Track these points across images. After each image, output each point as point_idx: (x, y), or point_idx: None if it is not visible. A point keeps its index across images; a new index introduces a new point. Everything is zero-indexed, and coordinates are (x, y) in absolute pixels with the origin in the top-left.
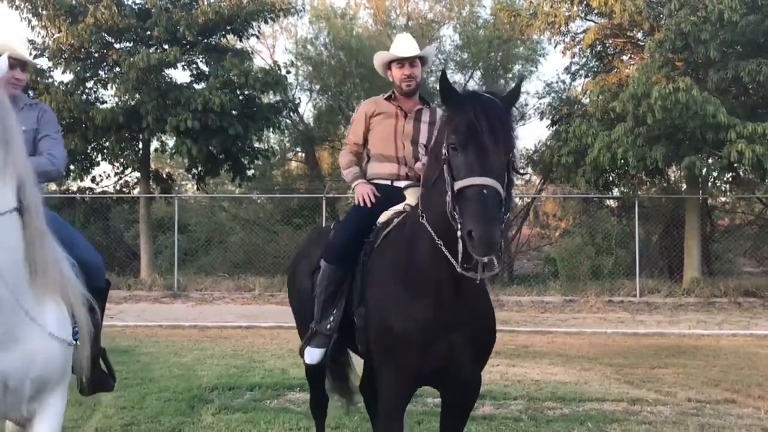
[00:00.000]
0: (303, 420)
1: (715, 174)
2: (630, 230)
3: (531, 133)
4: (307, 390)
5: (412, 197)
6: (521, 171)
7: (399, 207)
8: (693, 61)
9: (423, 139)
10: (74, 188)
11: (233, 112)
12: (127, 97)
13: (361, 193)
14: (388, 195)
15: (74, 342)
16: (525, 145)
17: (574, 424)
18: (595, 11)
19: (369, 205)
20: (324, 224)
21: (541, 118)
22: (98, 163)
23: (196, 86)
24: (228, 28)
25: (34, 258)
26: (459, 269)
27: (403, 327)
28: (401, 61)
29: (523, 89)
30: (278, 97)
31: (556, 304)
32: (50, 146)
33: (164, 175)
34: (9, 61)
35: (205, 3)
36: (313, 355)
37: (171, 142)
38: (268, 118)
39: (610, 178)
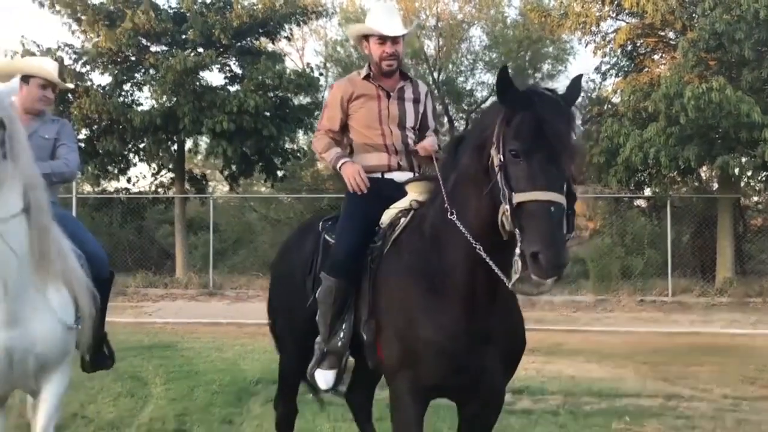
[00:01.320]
0: (347, 413)
1: (749, 174)
2: (661, 230)
3: None
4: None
5: (416, 191)
6: (582, 181)
7: (403, 204)
8: (727, 60)
9: (410, 121)
10: (111, 189)
11: (266, 113)
12: (164, 99)
13: (350, 175)
14: (383, 189)
15: (76, 326)
16: None
17: (611, 418)
18: (627, 11)
19: (362, 191)
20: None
21: None
22: (135, 164)
23: (231, 88)
24: (261, 30)
25: (38, 250)
26: (510, 286)
27: (433, 337)
28: (383, 37)
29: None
30: (309, 99)
31: (588, 303)
32: (66, 152)
33: (198, 176)
34: (42, 82)
35: (239, 6)
36: (328, 378)
37: (204, 143)
38: (300, 119)
39: (642, 178)
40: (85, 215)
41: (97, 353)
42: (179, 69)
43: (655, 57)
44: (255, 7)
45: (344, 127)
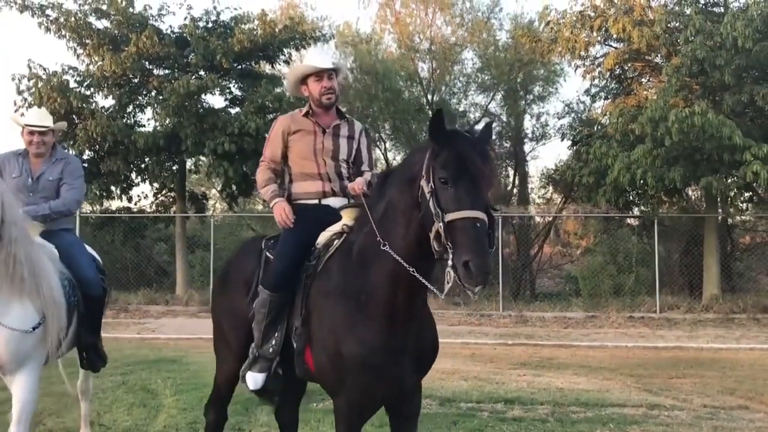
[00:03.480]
0: None
1: (732, 194)
2: (650, 249)
3: (550, 153)
4: None
5: (348, 217)
6: (496, 208)
7: (337, 228)
8: (709, 85)
9: (344, 154)
10: (113, 208)
11: (266, 135)
12: (167, 121)
13: (278, 213)
14: (319, 214)
15: (32, 330)
16: (545, 165)
17: (596, 426)
18: (614, 37)
19: (288, 225)
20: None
21: (562, 139)
22: (137, 184)
23: (231, 111)
24: (260, 54)
25: (6, 273)
26: (443, 296)
27: (358, 352)
28: (319, 74)
29: (542, 110)
30: None
31: (578, 319)
32: (66, 191)
33: (199, 195)
34: (29, 130)
35: (241, 31)
36: (257, 379)
37: (202, 163)
38: None
39: (630, 198)
40: (87, 234)
41: (90, 355)
42: (182, 92)
43: (643, 80)
44: (255, 32)
45: (285, 158)
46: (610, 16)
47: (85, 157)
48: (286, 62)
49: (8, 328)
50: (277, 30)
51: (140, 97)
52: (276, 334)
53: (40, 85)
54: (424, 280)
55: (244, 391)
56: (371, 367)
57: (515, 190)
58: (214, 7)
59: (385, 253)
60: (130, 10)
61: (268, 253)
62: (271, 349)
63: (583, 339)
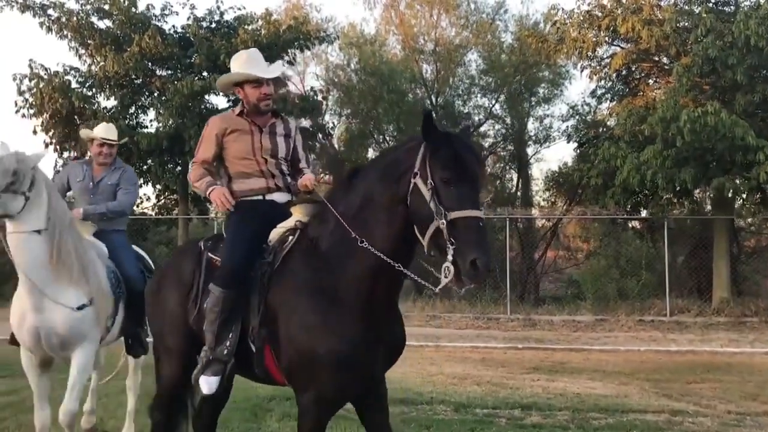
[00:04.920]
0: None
1: (743, 195)
2: (657, 252)
3: (554, 156)
4: None
5: (299, 213)
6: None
7: (289, 224)
8: (720, 84)
9: (282, 152)
10: None
11: None
12: (170, 122)
13: (217, 197)
14: (265, 210)
15: (80, 308)
16: (549, 167)
17: None
18: (622, 37)
19: (229, 208)
20: None
21: (569, 141)
22: (140, 186)
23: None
24: (264, 55)
25: (55, 258)
26: (437, 290)
27: (336, 348)
28: (259, 81)
29: (548, 111)
30: (311, 122)
31: (587, 323)
32: (121, 194)
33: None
34: (99, 142)
35: (244, 32)
36: (211, 383)
37: None
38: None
39: (639, 200)
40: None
41: (134, 343)
42: (186, 93)
43: (650, 81)
44: (259, 33)
45: (219, 159)
46: (618, 16)
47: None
48: (290, 63)
49: (65, 306)
50: (281, 30)
51: (143, 98)
52: (230, 335)
53: (41, 86)
54: (410, 274)
55: (250, 396)
56: (348, 362)
57: (519, 193)
58: (218, 7)
59: (362, 249)
60: (133, 9)
61: (210, 255)
62: (225, 351)
63: (594, 343)
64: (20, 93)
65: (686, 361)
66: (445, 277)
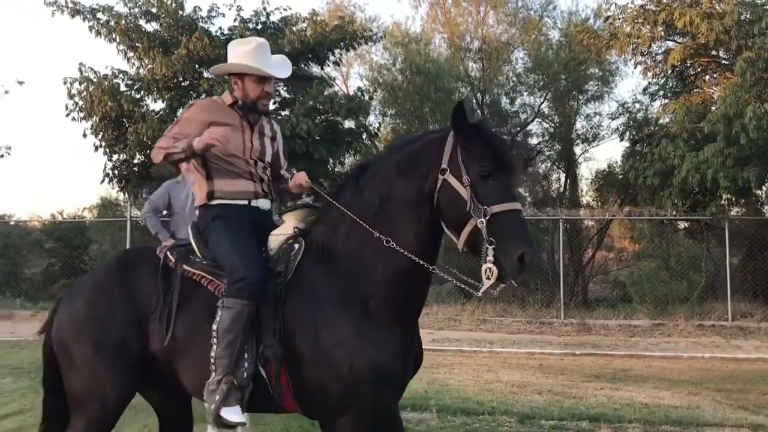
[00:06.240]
0: None
1: None
2: (710, 253)
3: (602, 154)
4: (421, 409)
5: (293, 219)
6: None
7: (287, 230)
8: None
9: (268, 156)
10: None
11: (317, 137)
12: None
13: (208, 139)
14: (252, 217)
15: None
16: (598, 166)
17: None
18: (679, 31)
19: (220, 142)
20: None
21: (621, 139)
22: None
23: (282, 113)
24: (310, 56)
25: None
26: (480, 293)
27: (379, 360)
28: (264, 78)
29: (596, 110)
30: (356, 123)
31: (644, 327)
32: None
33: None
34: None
35: (291, 32)
36: (238, 412)
37: None
38: (349, 142)
39: (697, 200)
40: (138, 238)
41: None
42: None
43: (707, 77)
44: (305, 33)
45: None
46: (675, 9)
47: (135, 161)
48: (336, 63)
49: None
50: (327, 31)
51: (191, 100)
52: (246, 356)
53: (91, 89)
54: (458, 273)
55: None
56: (389, 375)
57: (567, 193)
58: (264, 9)
59: (388, 251)
60: (180, 12)
61: (187, 267)
62: (245, 375)
63: (653, 349)
64: (70, 96)
65: (757, 369)
66: (488, 279)
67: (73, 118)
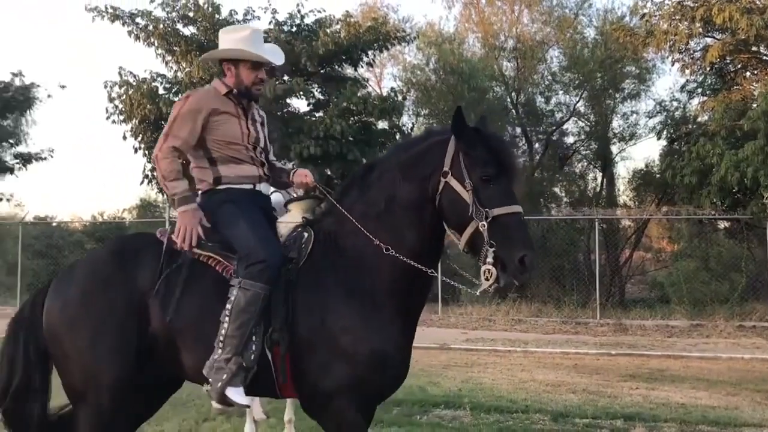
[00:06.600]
0: None
1: None
2: (751, 253)
3: (639, 153)
4: (454, 407)
5: (300, 210)
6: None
7: (295, 219)
8: None
9: (261, 142)
10: None
11: (351, 138)
12: None
13: (185, 225)
14: (258, 201)
15: None
16: (635, 165)
17: None
18: (718, 27)
19: (186, 247)
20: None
21: (658, 138)
22: None
23: (316, 114)
24: (344, 57)
25: None
26: (479, 292)
27: (382, 348)
28: (259, 64)
29: (633, 108)
30: (389, 123)
31: (682, 328)
32: None
33: (165, 195)
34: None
35: (325, 34)
36: (241, 393)
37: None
38: (383, 143)
39: (737, 198)
40: None
41: None
42: (269, 96)
43: (747, 74)
44: (339, 35)
45: (200, 142)
46: (713, 5)
47: None
48: (369, 64)
49: None
50: (360, 32)
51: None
52: (254, 339)
53: (130, 92)
54: (463, 272)
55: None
56: (391, 363)
57: (603, 192)
58: (298, 11)
59: (395, 257)
60: (217, 16)
61: (197, 250)
62: (252, 357)
63: (692, 349)
64: (110, 100)
65: None
66: (486, 279)
67: (114, 121)
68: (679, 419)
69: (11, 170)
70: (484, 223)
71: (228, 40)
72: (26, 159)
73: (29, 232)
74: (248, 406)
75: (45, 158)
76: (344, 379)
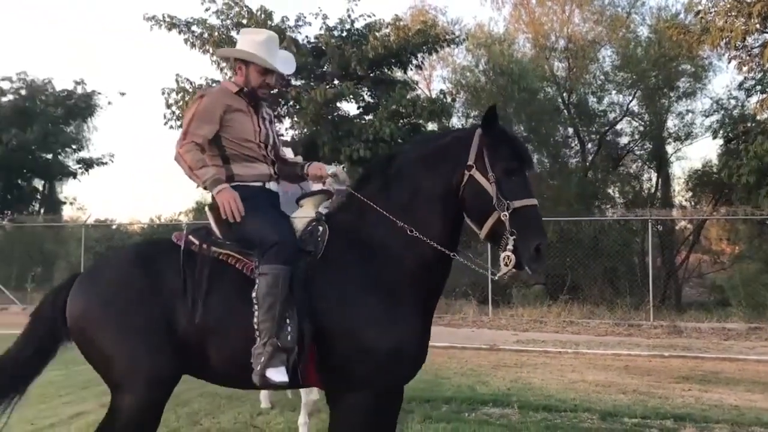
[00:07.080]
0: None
1: None
2: None
3: (696, 153)
4: (503, 405)
5: (313, 206)
6: None
7: (309, 213)
8: None
9: (271, 140)
10: None
11: (400, 140)
12: (305, 129)
13: (227, 200)
14: (271, 199)
15: None
16: (691, 165)
17: None
18: None
19: (236, 218)
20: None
21: (714, 137)
22: None
23: (366, 117)
24: (393, 61)
25: None
26: (497, 277)
27: (403, 340)
28: (269, 70)
29: (689, 107)
30: (439, 124)
31: (739, 331)
32: None
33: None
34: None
35: (375, 38)
36: (282, 372)
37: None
38: None
39: None
40: None
41: None
42: (319, 101)
43: None
44: (389, 39)
45: (216, 138)
46: None
47: None
48: (419, 67)
49: None
50: (410, 35)
51: (279, 108)
52: (289, 320)
53: (186, 99)
54: (477, 260)
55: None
56: (412, 355)
57: (658, 193)
58: (348, 16)
59: (415, 241)
60: (269, 22)
61: (216, 249)
62: (289, 337)
63: (748, 352)
64: (168, 106)
65: None
66: (506, 265)
67: (171, 127)
68: (732, 421)
69: (74, 175)
70: (506, 213)
71: (245, 41)
72: (88, 164)
73: (91, 234)
74: (287, 383)
75: (106, 163)
76: (365, 371)
